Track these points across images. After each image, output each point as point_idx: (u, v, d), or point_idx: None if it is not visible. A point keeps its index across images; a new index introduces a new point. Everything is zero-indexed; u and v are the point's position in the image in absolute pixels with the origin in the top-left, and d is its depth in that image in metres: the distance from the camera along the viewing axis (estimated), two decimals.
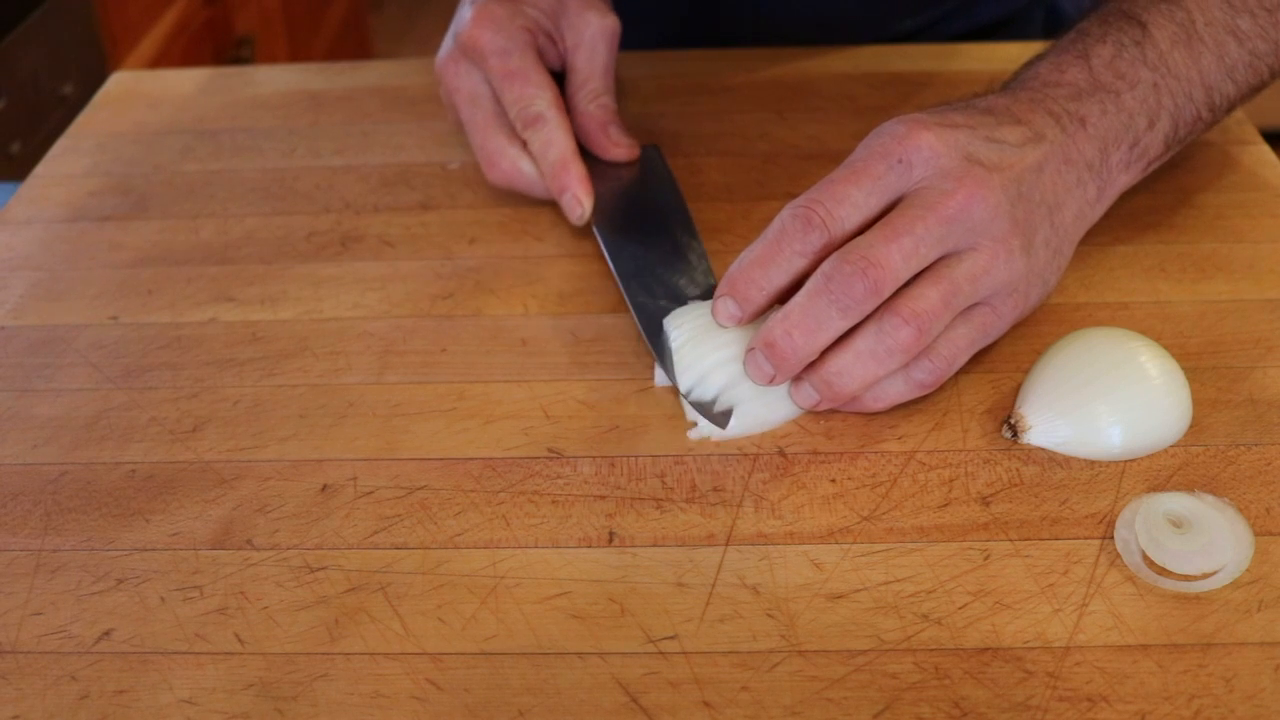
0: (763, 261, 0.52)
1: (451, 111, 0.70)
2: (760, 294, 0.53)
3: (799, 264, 0.52)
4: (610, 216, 0.65)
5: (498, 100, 0.67)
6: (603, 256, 0.64)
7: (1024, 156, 0.54)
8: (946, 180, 0.52)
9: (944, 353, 0.52)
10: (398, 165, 0.75)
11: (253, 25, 2.16)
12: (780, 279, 0.52)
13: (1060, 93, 0.57)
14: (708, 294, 0.59)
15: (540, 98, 0.65)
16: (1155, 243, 0.65)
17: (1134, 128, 0.58)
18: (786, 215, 0.52)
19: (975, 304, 0.53)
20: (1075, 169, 0.56)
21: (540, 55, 0.67)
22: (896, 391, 0.53)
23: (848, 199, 0.52)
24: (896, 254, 0.50)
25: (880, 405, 0.53)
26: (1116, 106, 0.57)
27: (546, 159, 0.65)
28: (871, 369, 0.51)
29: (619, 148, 0.68)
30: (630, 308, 0.59)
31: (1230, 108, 0.62)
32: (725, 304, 0.53)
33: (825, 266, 0.51)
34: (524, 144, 0.66)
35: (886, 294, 0.50)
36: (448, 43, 0.69)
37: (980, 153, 0.53)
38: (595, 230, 0.65)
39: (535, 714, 0.43)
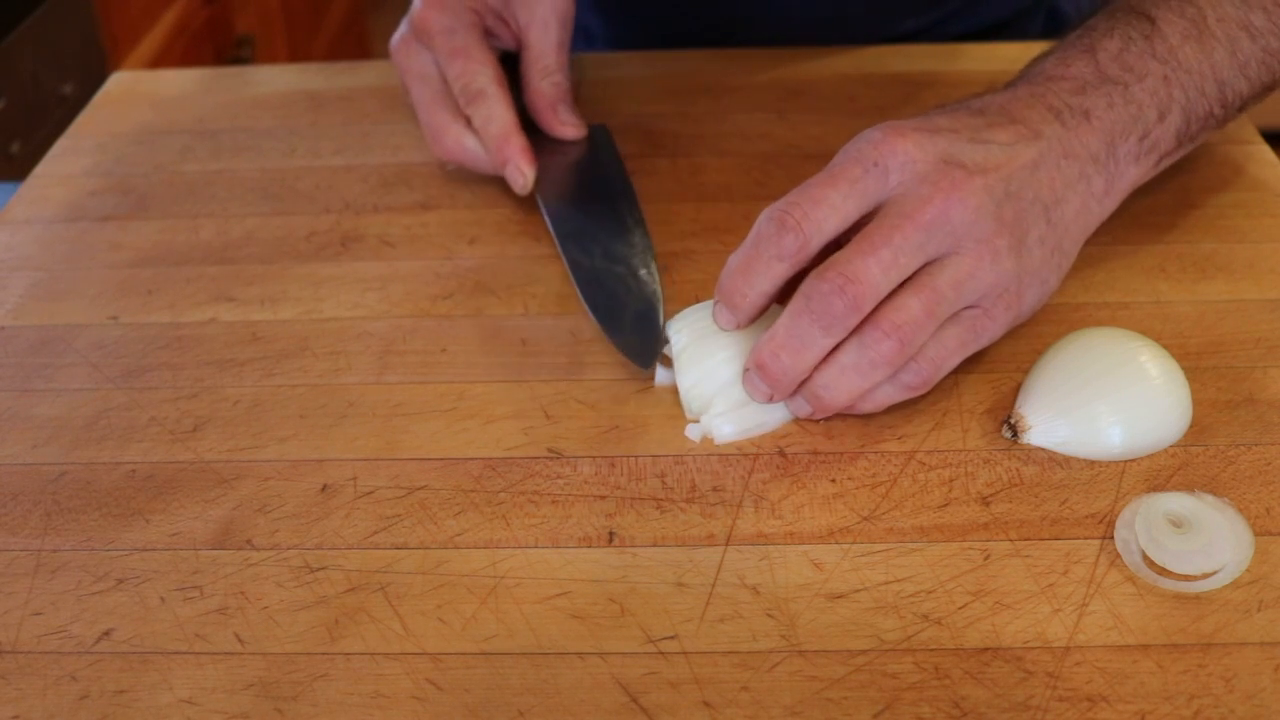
0: (744, 269, 0.53)
1: (405, 92, 0.72)
2: (746, 300, 0.53)
3: (778, 268, 0.52)
4: (554, 187, 0.67)
5: (444, 79, 0.69)
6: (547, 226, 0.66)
7: (1014, 156, 0.53)
8: (923, 186, 0.51)
9: (932, 355, 0.52)
10: (398, 165, 0.75)
11: (253, 25, 2.16)
12: (763, 284, 0.52)
13: (1063, 86, 0.57)
14: (620, 254, 0.62)
15: (482, 74, 0.67)
16: (1155, 243, 0.65)
17: (1143, 119, 0.57)
18: (762, 220, 0.52)
19: (966, 307, 0.53)
20: (1077, 163, 0.55)
21: (488, 34, 0.70)
22: (886, 395, 0.53)
23: (824, 201, 0.51)
24: (875, 267, 0.50)
25: (873, 408, 0.53)
26: (1124, 99, 0.57)
27: (489, 132, 0.67)
28: (856, 382, 0.51)
29: (566, 126, 0.70)
30: (566, 264, 0.62)
31: (1243, 105, 0.61)
32: (720, 310, 0.54)
33: (805, 286, 0.51)
34: (468, 120, 0.68)
35: (867, 309, 0.50)
36: (402, 25, 0.71)
37: (962, 155, 0.52)
38: (538, 198, 0.67)
39: (535, 714, 0.43)
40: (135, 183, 0.75)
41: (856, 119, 0.77)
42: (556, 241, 0.63)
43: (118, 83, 0.87)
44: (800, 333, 0.51)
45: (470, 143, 0.68)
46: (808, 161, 0.73)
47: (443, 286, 0.65)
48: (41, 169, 0.77)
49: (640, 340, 0.57)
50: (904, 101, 0.79)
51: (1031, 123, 0.55)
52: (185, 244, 0.69)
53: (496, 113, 0.67)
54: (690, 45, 0.87)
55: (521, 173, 0.66)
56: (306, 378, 0.59)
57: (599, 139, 0.72)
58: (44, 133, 1.51)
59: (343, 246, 0.68)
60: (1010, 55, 0.83)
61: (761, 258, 0.52)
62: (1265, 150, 0.72)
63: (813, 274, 0.51)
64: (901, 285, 0.51)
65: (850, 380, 0.51)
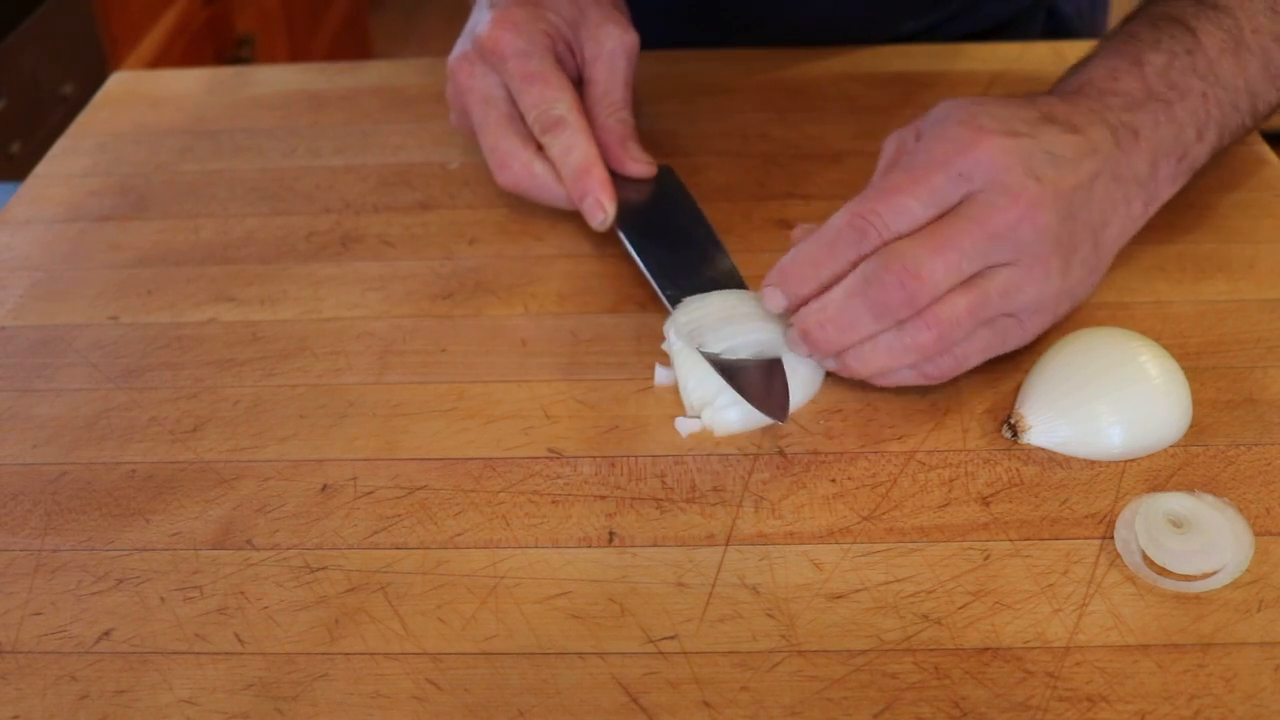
0: (815, 261, 0.53)
1: (459, 114, 0.69)
2: (809, 290, 0.53)
3: (849, 270, 0.52)
4: (634, 221, 0.64)
5: (513, 103, 0.66)
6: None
7: (1078, 171, 0.54)
8: (1002, 195, 0.51)
9: (957, 353, 0.53)
10: (398, 165, 0.75)
11: (253, 25, 2.16)
12: (830, 281, 0.53)
13: (1115, 102, 0.57)
14: (712, 284, 0.59)
15: (561, 101, 0.64)
16: (1155, 243, 0.65)
17: (1183, 140, 0.58)
18: (843, 221, 0.52)
19: (1003, 314, 0.53)
20: (1124, 185, 0.56)
21: (559, 62, 0.66)
22: (904, 378, 0.54)
23: (906, 212, 0.52)
24: (940, 267, 0.50)
25: (886, 384, 0.54)
26: (1168, 118, 0.57)
27: (568, 164, 0.64)
28: (886, 360, 0.52)
29: (638, 164, 0.66)
30: (663, 300, 0.59)
31: (1270, 114, 0.62)
32: (773, 294, 0.54)
33: (866, 268, 0.51)
34: (539, 148, 0.65)
35: (922, 306, 0.51)
36: (463, 44, 0.68)
37: (1040, 167, 0.53)
38: (620, 231, 0.63)
39: (535, 714, 0.43)
40: (135, 183, 0.75)
41: (855, 119, 0.77)
42: (646, 273, 0.60)
43: (118, 83, 0.87)
44: (852, 313, 0.51)
45: (540, 170, 0.65)
46: (808, 161, 0.73)
47: (443, 286, 0.65)
48: (41, 169, 0.77)
49: (770, 390, 0.54)
50: (904, 101, 0.79)
51: (1092, 137, 0.55)
52: (185, 244, 0.69)
53: (577, 143, 0.63)
54: (690, 45, 0.87)
55: (602, 207, 0.63)
56: (306, 378, 0.59)
57: (666, 178, 0.68)
58: (44, 133, 1.51)
59: (343, 246, 0.68)
60: (1010, 55, 0.83)
61: (836, 257, 0.52)
62: (1265, 150, 0.72)
63: (878, 257, 0.51)
64: None
65: (881, 358, 0.52)
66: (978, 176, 0.52)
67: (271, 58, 2.21)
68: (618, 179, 0.65)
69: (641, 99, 0.80)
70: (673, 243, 0.63)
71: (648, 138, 0.76)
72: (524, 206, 0.70)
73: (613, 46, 0.67)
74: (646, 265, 0.61)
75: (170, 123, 0.81)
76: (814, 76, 0.82)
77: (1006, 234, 0.51)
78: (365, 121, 0.80)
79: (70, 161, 0.78)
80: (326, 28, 2.54)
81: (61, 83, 1.58)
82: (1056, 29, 0.94)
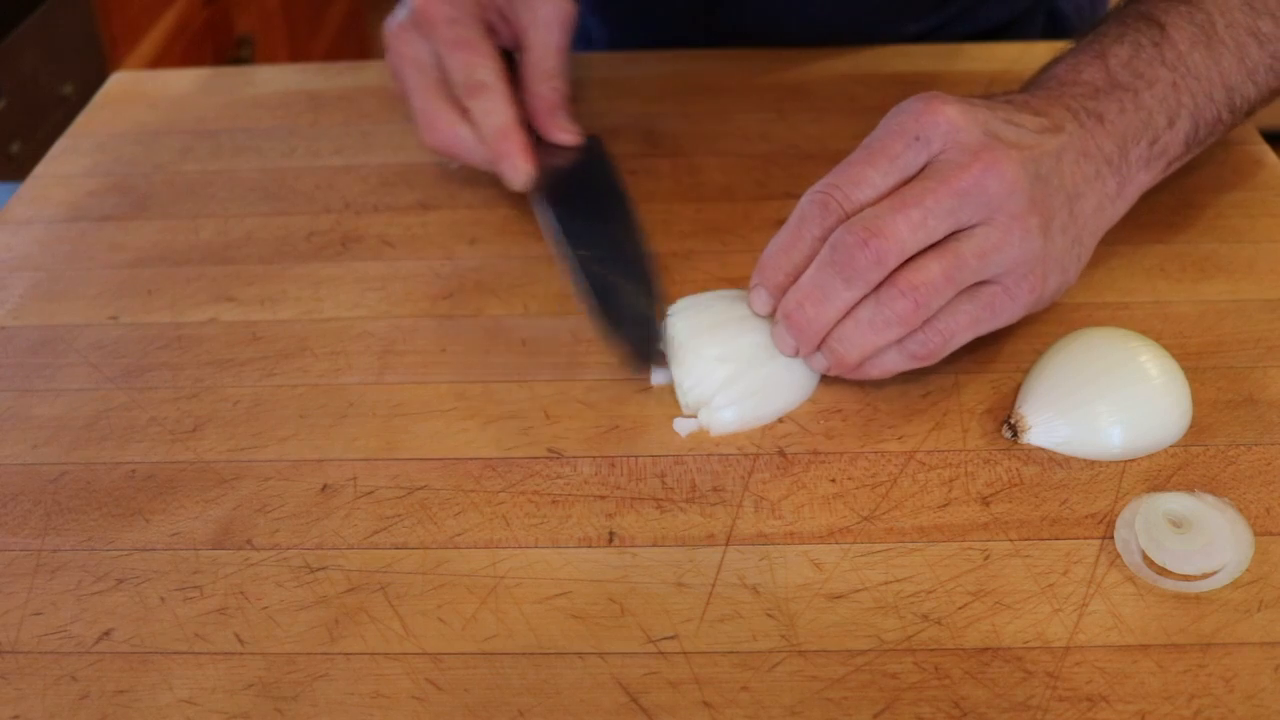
0: (786, 248, 0.53)
1: (397, 79, 0.70)
2: (787, 279, 0.53)
3: (819, 248, 0.52)
4: (552, 189, 0.66)
5: (442, 68, 0.67)
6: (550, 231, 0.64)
7: (1043, 142, 0.54)
8: (964, 154, 0.52)
9: (941, 327, 0.52)
10: (398, 165, 0.75)
11: (253, 25, 2.16)
12: (804, 265, 0.53)
13: (1077, 91, 0.57)
14: (622, 251, 0.61)
15: (484, 66, 0.66)
16: (1155, 243, 0.65)
17: (1153, 125, 0.58)
18: (806, 201, 0.53)
19: (986, 282, 0.53)
20: (1093, 162, 0.56)
21: (490, 30, 0.68)
22: (893, 362, 0.53)
23: (864, 180, 0.52)
24: (903, 224, 0.50)
25: (879, 373, 0.54)
26: (1135, 104, 0.57)
27: (488, 125, 0.65)
28: (870, 338, 0.52)
29: (564, 132, 0.68)
30: (570, 263, 0.60)
31: (1251, 110, 0.62)
32: (759, 294, 0.54)
33: (832, 237, 0.51)
34: (464, 111, 0.66)
35: (891, 264, 0.50)
36: (400, 12, 0.69)
37: (1000, 130, 0.53)
38: (533, 199, 0.65)
39: (535, 714, 0.43)
40: (135, 183, 0.75)
41: (855, 119, 0.77)
42: (564, 241, 0.62)
43: (118, 83, 0.87)
44: (823, 283, 0.51)
45: (464, 132, 0.66)
46: (808, 161, 0.73)
47: (443, 286, 0.65)
48: (41, 169, 0.77)
49: (636, 344, 0.57)
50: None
51: (1053, 117, 0.56)
52: (185, 244, 0.69)
53: (497, 106, 0.65)
54: (690, 46, 0.87)
55: (517, 169, 0.64)
56: (306, 378, 0.59)
57: (594, 148, 0.70)
58: (44, 133, 1.50)
59: (343, 246, 0.68)
60: (1009, 55, 0.83)
61: (803, 237, 0.53)
62: (1265, 150, 0.72)
63: (841, 227, 0.51)
64: (926, 249, 0.51)
65: (864, 336, 0.52)
66: (935, 139, 0.52)
67: (271, 58, 2.21)
68: (545, 146, 0.67)
69: (641, 99, 0.80)
70: (589, 214, 0.65)
71: (648, 137, 0.76)
72: (524, 206, 0.70)
73: (547, 14, 0.69)
74: (562, 235, 0.62)
75: (170, 123, 0.81)
76: (814, 77, 0.82)
77: (973, 190, 0.51)
78: (365, 121, 0.80)
79: (70, 161, 0.78)
80: (326, 28, 2.55)
81: (61, 83, 1.58)
82: (1056, 30, 0.94)
